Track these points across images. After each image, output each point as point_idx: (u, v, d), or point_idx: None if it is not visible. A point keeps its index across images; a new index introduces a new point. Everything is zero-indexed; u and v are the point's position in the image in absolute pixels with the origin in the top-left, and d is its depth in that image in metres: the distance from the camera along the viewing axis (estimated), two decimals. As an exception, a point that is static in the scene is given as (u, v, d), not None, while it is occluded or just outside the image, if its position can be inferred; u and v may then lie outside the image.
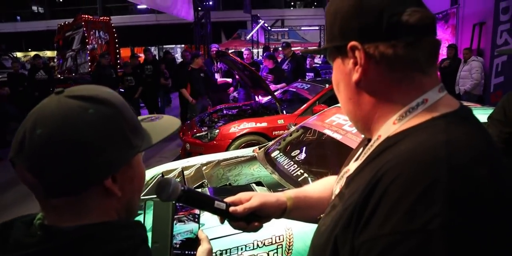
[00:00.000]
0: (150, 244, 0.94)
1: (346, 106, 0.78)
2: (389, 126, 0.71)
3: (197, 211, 0.99)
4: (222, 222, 0.97)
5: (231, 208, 0.93)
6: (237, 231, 2.09)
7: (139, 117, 0.79)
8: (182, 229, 0.97)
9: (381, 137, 0.72)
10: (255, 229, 0.98)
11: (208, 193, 2.48)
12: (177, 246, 0.96)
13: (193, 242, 0.96)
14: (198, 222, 0.99)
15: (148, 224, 0.98)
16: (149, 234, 0.97)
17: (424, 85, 0.70)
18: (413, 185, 0.58)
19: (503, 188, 0.60)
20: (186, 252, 0.95)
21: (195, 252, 0.95)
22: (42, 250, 0.62)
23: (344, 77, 0.75)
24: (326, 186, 1.04)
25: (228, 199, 0.96)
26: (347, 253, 0.64)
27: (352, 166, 0.80)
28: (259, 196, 0.97)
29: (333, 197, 0.83)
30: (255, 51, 16.45)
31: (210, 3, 13.26)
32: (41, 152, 0.62)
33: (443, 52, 8.72)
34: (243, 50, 9.03)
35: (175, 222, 0.97)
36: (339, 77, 0.77)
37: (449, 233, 0.55)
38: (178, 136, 5.93)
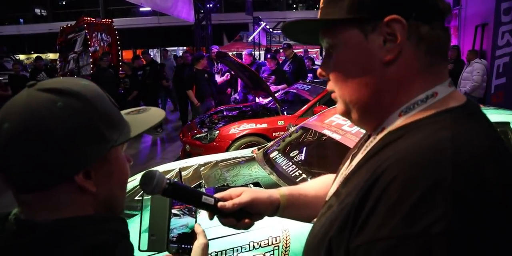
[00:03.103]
0: (147, 237, 0.94)
1: (358, 93, 0.68)
2: (394, 118, 0.67)
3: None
4: (211, 218, 0.94)
5: (220, 203, 0.90)
6: (233, 232, 2.09)
7: (125, 110, 0.77)
8: (178, 223, 0.96)
9: (385, 130, 0.68)
10: (246, 227, 0.93)
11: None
12: (174, 239, 0.94)
13: (189, 236, 0.95)
14: (195, 216, 0.98)
15: (146, 218, 0.97)
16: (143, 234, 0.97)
17: (443, 75, 0.67)
18: (414, 186, 0.53)
19: None
20: (183, 245, 0.94)
21: (191, 246, 0.93)
22: (13, 245, 0.60)
23: (364, 56, 0.66)
24: (323, 185, 1.00)
25: (218, 195, 0.93)
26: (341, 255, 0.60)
27: (352, 162, 0.75)
28: (249, 192, 0.93)
29: (329, 196, 0.78)
30: (256, 53, 16.42)
31: (211, 5, 13.26)
32: (7, 147, 0.60)
33: (445, 54, 8.69)
34: (243, 52, 9.04)
35: (171, 216, 0.96)
36: (355, 57, 0.67)
37: (453, 238, 0.50)
38: (178, 138, 5.92)
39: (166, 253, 0.95)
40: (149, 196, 0.97)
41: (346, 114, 0.74)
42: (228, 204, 0.90)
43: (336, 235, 0.62)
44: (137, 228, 2.49)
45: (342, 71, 0.70)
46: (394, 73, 0.65)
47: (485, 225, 0.51)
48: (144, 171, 0.83)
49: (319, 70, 0.77)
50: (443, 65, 0.68)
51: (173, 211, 0.96)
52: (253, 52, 9.48)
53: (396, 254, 0.52)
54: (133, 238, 2.37)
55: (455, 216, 0.51)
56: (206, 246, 0.93)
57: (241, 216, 0.92)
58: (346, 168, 0.78)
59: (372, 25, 0.65)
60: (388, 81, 0.66)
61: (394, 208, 0.54)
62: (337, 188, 0.74)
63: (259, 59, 15.49)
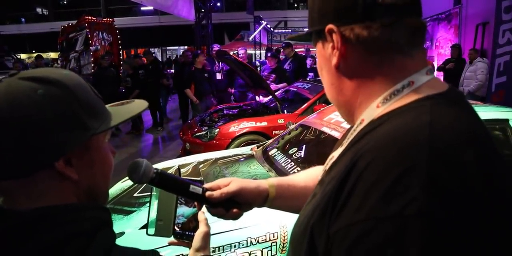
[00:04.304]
0: (154, 223, 0.97)
1: (329, 92, 0.76)
2: (373, 110, 0.68)
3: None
4: (199, 208, 0.95)
5: (208, 193, 0.90)
6: (230, 228, 2.08)
7: (110, 104, 0.78)
8: (184, 211, 0.99)
9: (364, 121, 0.69)
10: (235, 217, 0.94)
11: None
12: (180, 226, 0.97)
13: (194, 224, 0.97)
14: (195, 206, 1.00)
15: (155, 205, 1.00)
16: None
17: (407, 68, 0.67)
18: (390, 169, 0.54)
19: (491, 174, 0.55)
20: (187, 232, 0.96)
21: (194, 234, 0.95)
22: None
23: (325, 62, 0.73)
24: (313, 176, 1.01)
25: (206, 185, 0.93)
26: (323, 242, 0.60)
27: (336, 153, 0.76)
28: (237, 181, 0.94)
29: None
30: (257, 52, 16.41)
31: (211, 4, 13.27)
32: None
33: (446, 53, 8.68)
34: (239, 50, 8.98)
35: (178, 203, 0.98)
36: (321, 62, 0.75)
37: (426, 220, 0.51)
38: (178, 136, 5.93)
39: (171, 238, 0.97)
40: None
41: None
42: (216, 193, 0.91)
43: (317, 222, 0.62)
44: (135, 224, 2.48)
45: (320, 73, 0.79)
46: (346, 74, 0.71)
47: (458, 208, 0.52)
48: (132, 161, 0.83)
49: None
50: (402, 59, 0.67)
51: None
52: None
53: (371, 236, 0.53)
54: (131, 234, 2.35)
55: (428, 198, 0.51)
56: (206, 234, 0.94)
57: (229, 206, 0.93)
58: (331, 159, 0.79)
59: (323, 35, 0.71)
60: (345, 81, 0.72)
61: (370, 191, 0.55)
62: (321, 177, 0.76)
63: (260, 58, 15.50)
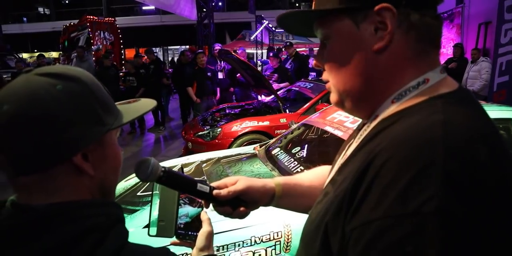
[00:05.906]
0: (156, 223, 0.97)
1: (352, 81, 0.69)
2: (387, 105, 0.68)
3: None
4: (207, 206, 0.95)
5: (215, 191, 0.90)
6: (234, 227, 2.08)
7: (116, 102, 0.79)
8: (186, 211, 0.98)
9: (378, 117, 0.68)
10: (242, 215, 0.94)
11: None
12: (182, 226, 0.96)
13: (197, 224, 0.97)
14: (198, 206, 0.99)
15: (157, 205, 0.99)
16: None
17: (434, 62, 0.68)
18: (406, 168, 0.54)
19: (504, 170, 0.56)
20: (190, 232, 0.96)
21: (197, 234, 0.94)
22: (7, 226, 0.61)
23: (357, 45, 0.67)
24: (319, 175, 1.01)
25: (213, 183, 0.93)
26: (337, 240, 0.60)
27: (348, 151, 0.76)
28: (244, 180, 0.94)
29: (325, 185, 0.79)
30: (259, 51, 16.39)
31: (213, 3, 13.26)
32: (7, 128, 0.61)
33: (449, 52, 8.67)
34: (237, 50, 8.95)
35: (180, 203, 0.98)
36: (347, 46, 0.68)
37: (444, 217, 0.51)
38: (180, 135, 5.94)
39: (174, 239, 0.97)
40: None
41: (340, 103, 0.75)
42: (223, 192, 0.91)
43: (332, 220, 0.62)
44: (138, 223, 2.49)
45: (336, 60, 0.71)
46: (385, 60, 0.66)
47: (475, 204, 0.52)
48: (140, 159, 0.83)
49: (314, 61, 0.79)
50: (435, 53, 0.69)
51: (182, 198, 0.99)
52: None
53: (389, 233, 0.53)
54: (135, 233, 2.37)
55: (446, 195, 0.51)
56: (210, 234, 0.94)
57: (236, 205, 0.92)
58: (342, 158, 0.79)
59: (363, 14, 0.66)
60: (380, 68, 0.67)
61: (387, 189, 0.54)
62: (332, 176, 0.75)
63: (262, 57, 15.49)
